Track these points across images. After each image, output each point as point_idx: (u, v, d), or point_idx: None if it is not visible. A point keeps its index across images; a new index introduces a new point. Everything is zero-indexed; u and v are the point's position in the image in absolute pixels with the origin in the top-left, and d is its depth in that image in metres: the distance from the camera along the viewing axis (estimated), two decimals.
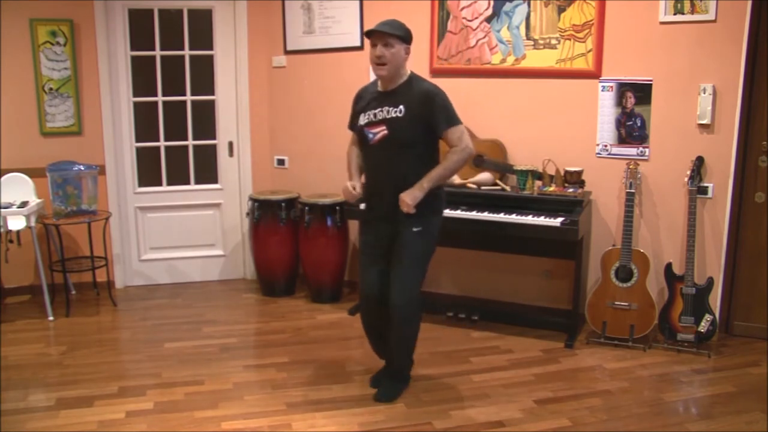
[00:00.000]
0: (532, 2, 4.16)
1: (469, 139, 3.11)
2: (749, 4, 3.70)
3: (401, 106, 3.06)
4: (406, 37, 3.10)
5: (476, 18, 4.32)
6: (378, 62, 3.05)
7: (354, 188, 3.19)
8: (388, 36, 3.03)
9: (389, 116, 3.08)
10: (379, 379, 3.41)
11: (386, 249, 3.21)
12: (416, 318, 3.29)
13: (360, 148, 3.28)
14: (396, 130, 3.07)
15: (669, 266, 3.91)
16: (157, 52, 4.89)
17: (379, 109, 3.11)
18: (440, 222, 3.26)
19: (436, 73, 4.46)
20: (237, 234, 5.23)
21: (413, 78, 3.15)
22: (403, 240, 3.13)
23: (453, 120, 3.08)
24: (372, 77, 3.28)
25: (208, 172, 5.13)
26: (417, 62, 4.47)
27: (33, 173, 4.58)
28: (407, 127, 3.06)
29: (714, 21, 3.77)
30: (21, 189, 4.53)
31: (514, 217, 3.87)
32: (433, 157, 3.18)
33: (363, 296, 3.33)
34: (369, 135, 3.14)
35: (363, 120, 3.17)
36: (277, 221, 4.72)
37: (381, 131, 3.10)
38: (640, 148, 4.06)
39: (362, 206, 3.48)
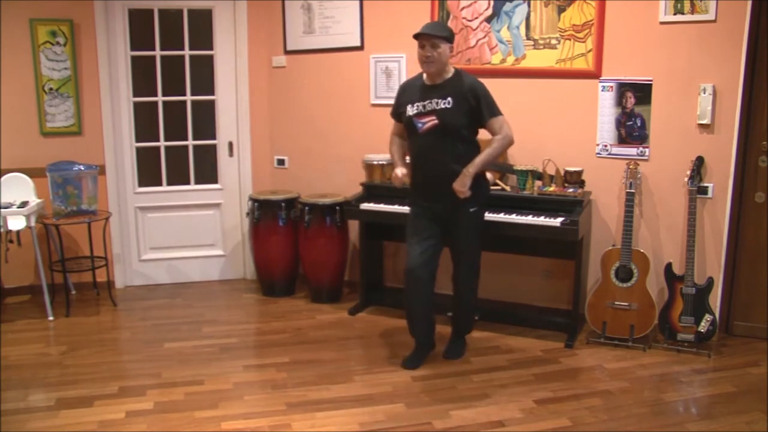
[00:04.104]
0: (532, 2, 4.16)
1: (509, 128, 3.46)
2: (749, 4, 3.70)
3: (449, 98, 3.40)
4: (450, 38, 3.43)
5: (476, 18, 4.32)
6: (426, 60, 3.39)
7: (402, 174, 3.60)
8: (435, 38, 3.35)
9: (438, 107, 3.42)
10: (413, 361, 3.68)
11: (441, 228, 3.58)
12: (476, 282, 3.78)
13: (408, 137, 3.58)
14: (445, 120, 3.41)
15: (669, 266, 3.91)
16: (157, 52, 4.89)
17: (428, 101, 3.44)
18: (487, 201, 3.73)
19: None
20: (237, 234, 5.23)
21: (460, 73, 3.49)
22: (462, 220, 3.54)
23: (495, 111, 3.44)
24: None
25: (208, 172, 5.13)
26: (417, 62, 4.47)
27: (33, 173, 4.58)
28: (455, 117, 3.41)
29: (714, 21, 3.77)
30: (21, 189, 4.53)
31: (514, 217, 3.88)
32: (474, 142, 3.55)
33: (408, 270, 3.57)
34: (418, 124, 3.47)
35: (411, 111, 3.48)
36: (277, 221, 4.72)
37: (431, 120, 3.43)
38: (640, 148, 4.06)
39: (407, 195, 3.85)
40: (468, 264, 3.71)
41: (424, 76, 3.52)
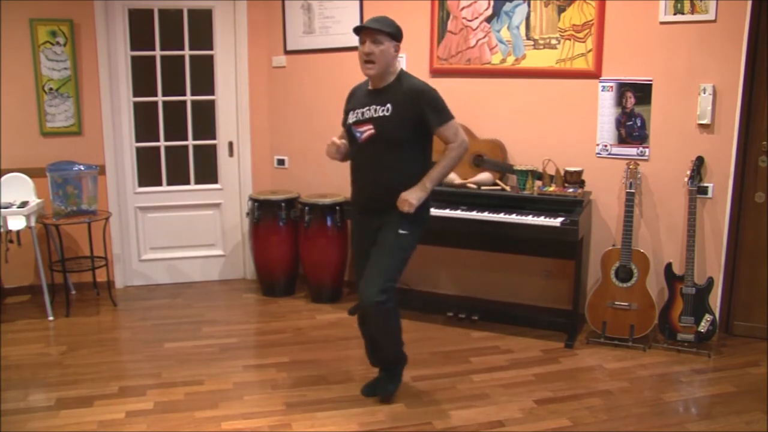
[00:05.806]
0: (532, 2, 4.16)
1: (464, 133, 3.08)
2: (749, 4, 3.70)
3: (388, 105, 3.00)
4: (395, 35, 3.02)
5: (476, 18, 4.32)
6: (366, 59, 2.98)
7: (336, 142, 3.13)
8: (377, 33, 2.96)
9: (376, 115, 3.02)
10: (372, 386, 3.35)
11: (373, 244, 3.15)
12: (391, 313, 3.12)
13: (350, 147, 3.20)
14: (383, 129, 3.00)
15: (669, 266, 3.91)
16: (157, 52, 4.89)
17: (367, 108, 3.05)
18: (422, 229, 3.17)
19: (436, 73, 4.46)
20: (237, 234, 5.23)
21: (402, 75, 3.08)
22: (386, 237, 3.07)
23: (445, 116, 3.01)
24: None
25: (208, 172, 5.13)
26: (417, 62, 4.49)
27: (33, 173, 4.58)
28: (394, 126, 2.99)
29: (714, 21, 3.77)
30: (21, 189, 4.53)
31: (514, 217, 3.87)
32: (424, 154, 3.12)
33: (362, 300, 3.16)
34: (357, 134, 3.09)
35: (351, 118, 3.11)
36: (277, 221, 4.72)
37: (368, 130, 3.04)
38: (640, 148, 4.06)
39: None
40: (376, 287, 2.99)
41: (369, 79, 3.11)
